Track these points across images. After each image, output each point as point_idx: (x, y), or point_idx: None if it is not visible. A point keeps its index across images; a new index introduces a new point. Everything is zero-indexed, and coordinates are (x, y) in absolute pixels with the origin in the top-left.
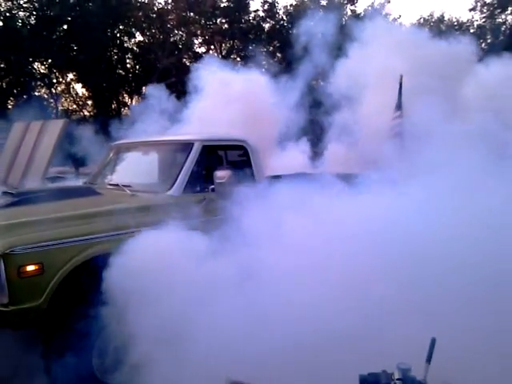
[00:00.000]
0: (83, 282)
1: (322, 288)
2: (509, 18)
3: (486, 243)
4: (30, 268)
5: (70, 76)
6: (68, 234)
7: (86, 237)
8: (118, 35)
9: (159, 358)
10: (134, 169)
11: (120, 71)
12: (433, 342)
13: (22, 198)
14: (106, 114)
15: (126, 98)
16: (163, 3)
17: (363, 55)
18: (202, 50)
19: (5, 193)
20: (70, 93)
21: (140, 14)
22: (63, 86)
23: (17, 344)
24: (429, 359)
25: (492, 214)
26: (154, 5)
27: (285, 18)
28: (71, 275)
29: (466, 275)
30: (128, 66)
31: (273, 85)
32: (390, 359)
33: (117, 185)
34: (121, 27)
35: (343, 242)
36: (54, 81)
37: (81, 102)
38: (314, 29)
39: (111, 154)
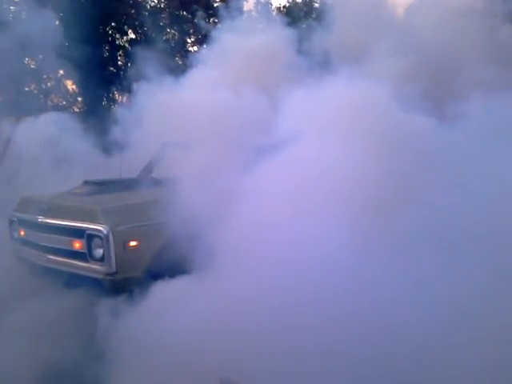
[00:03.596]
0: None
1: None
2: None
3: None
4: (132, 243)
5: (61, 72)
6: (159, 216)
7: None
8: (110, 32)
9: None
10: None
11: (111, 68)
12: None
13: (106, 187)
14: (96, 111)
15: (117, 96)
16: (156, 1)
17: None
18: (195, 48)
19: (86, 182)
20: (60, 89)
21: (132, 11)
22: (53, 82)
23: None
24: None
25: None
26: (147, 2)
27: (278, 19)
28: (162, 251)
29: None
30: (119, 63)
31: None
32: None
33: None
34: (113, 24)
35: None
36: (44, 76)
37: (71, 99)
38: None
39: (163, 151)
